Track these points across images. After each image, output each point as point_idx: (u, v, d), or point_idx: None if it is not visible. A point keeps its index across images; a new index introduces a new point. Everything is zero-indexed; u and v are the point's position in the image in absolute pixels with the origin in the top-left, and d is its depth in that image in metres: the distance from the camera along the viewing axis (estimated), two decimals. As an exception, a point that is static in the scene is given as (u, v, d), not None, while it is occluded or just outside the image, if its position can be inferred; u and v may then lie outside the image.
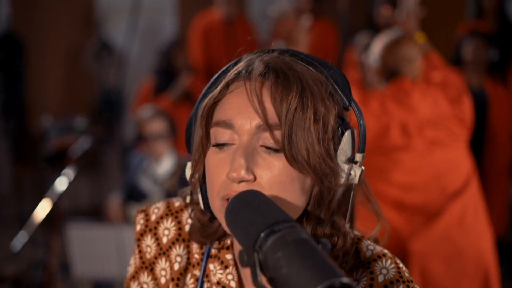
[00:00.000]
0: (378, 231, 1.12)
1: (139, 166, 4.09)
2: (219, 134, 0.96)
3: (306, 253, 0.74)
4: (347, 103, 0.97)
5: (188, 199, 1.11)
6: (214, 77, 1.03)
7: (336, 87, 0.97)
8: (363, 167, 0.98)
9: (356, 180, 0.97)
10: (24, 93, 7.58)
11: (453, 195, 2.61)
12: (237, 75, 0.99)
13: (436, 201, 2.63)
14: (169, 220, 1.14)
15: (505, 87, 4.81)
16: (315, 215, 0.98)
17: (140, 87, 5.67)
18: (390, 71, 2.82)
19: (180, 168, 3.98)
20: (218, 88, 0.99)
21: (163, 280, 1.13)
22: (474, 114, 2.92)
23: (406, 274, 1.02)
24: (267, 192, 0.92)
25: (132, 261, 1.18)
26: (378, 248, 1.06)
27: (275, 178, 0.93)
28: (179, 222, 1.14)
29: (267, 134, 0.93)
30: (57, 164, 6.25)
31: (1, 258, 6.23)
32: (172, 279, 1.12)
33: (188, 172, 1.08)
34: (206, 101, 1.00)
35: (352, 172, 0.97)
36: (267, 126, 0.92)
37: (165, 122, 3.92)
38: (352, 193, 1.00)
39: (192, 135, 1.05)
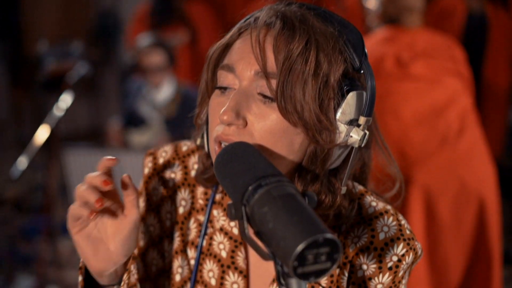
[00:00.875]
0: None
1: (138, 92, 4.11)
2: (222, 77, 0.97)
3: (292, 208, 0.75)
4: (358, 63, 0.95)
5: (198, 141, 1.12)
6: (236, 26, 1.02)
7: (347, 45, 0.95)
8: (367, 132, 0.95)
9: (356, 144, 0.95)
10: (20, 17, 7.48)
11: (456, 132, 2.58)
12: (250, 23, 0.98)
13: (437, 137, 2.59)
14: (176, 164, 1.16)
15: (506, 11, 4.77)
16: (308, 173, 0.97)
17: (136, 10, 5.61)
18: (390, 19, 2.76)
19: (180, 95, 4.00)
20: (229, 34, 1.00)
21: (168, 223, 1.16)
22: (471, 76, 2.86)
23: (408, 232, 1.02)
24: (257, 140, 0.93)
25: (140, 203, 1.17)
26: (381, 205, 1.06)
27: (267, 127, 0.92)
28: (185, 167, 1.15)
29: (264, 82, 0.92)
30: (54, 90, 6.25)
31: (1, 182, 6.32)
32: (176, 223, 1.15)
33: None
34: (216, 45, 1.00)
35: (353, 135, 0.95)
36: (265, 74, 0.91)
37: (164, 53, 3.90)
38: (352, 155, 0.98)
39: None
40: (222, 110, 0.92)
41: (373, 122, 1.06)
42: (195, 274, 1.10)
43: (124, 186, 1.00)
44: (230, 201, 0.87)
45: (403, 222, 1.04)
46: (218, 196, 1.12)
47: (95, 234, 0.99)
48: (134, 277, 1.03)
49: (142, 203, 1.17)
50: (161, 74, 3.90)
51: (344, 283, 1.03)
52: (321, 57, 0.91)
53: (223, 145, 0.94)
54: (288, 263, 0.70)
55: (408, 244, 1.01)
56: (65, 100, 3.53)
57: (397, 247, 1.01)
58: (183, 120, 3.98)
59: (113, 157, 0.97)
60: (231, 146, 0.89)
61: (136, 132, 4.09)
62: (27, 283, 4.05)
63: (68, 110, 3.64)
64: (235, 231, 1.08)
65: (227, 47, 0.99)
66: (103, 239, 0.99)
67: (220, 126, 0.95)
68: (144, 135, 4.03)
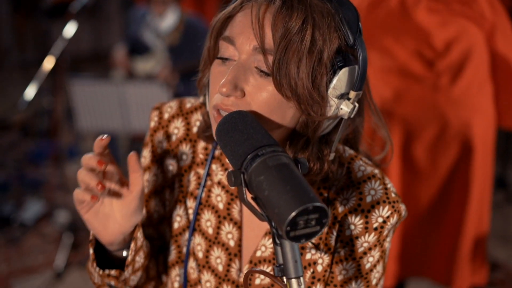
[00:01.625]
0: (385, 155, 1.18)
1: (142, 20, 4.11)
2: (223, 48, 1.01)
3: (286, 177, 0.81)
4: (352, 40, 0.98)
5: (201, 99, 1.17)
6: None
7: (343, 22, 0.98)
8: (356, 104, 1.00)
9: (346, 116, 1.00)
10: None
11: (454, 70, 2.51)
12: None
13: (432, 77, 2.54)
14: (180, 120, 1.21)
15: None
16: (299, 140, 1.02)
17: None
18: None
19: (183, 24, 4.01)
20: (232, 6, 1.03)
21: (169, 174, 1.23)
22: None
23: (393, 195, 1.09)
24: (254, 109, 0.98)
25: (145, 154, 1.25)
26: (369, 169, 1.11)
27: (263, 98, 0.97)
28: (188, 123, 1.21)
29: (262, 57, 0.96)
30: (56, 17, 6.21)
31: (8, 106, 6.39)
32: (178, 174, 1.22)
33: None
34: (219, 15, 1.04)
35: (343, 107, 0.99)
36: (262, 50, 0.95)
37: None
38: (341, 125, 1.03)
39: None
40: (221, 82, 0.97)
41: (366, 88, 1.11)
42: (193, 222, 1.18)
43: (131, 163, 1.06)
44: (230, 169, 0.94)
45: (389, 186, 1.10)
46: (217, 152, 1.18)
47: (102, 211, 1.06)
48: (140, 241, 1.11)
49: (148, 153, 1.24)
50: (165, 3, 3.90)
51: (333, 241, 1.10)
52: (317, 35, 0.95)
53: (222, 113, 0.99)
54: (281, 228, 0.77)
55: (393, 206, 1.08)
56: (69, 29, 3.54)
57: (383, 209, 1.08)
58: (185, 48, 4.01)
59: (105, 136, 1.01)
60: (231, 116, 0.94)
61: (140, 59, 4.12)
62: (36, 207, 4.17)
63: (72, 38, 3.66)
64: None
65: (229, 17, 1.03)
66: (110, 215, 1.06)
67: (219, 95, 1.00)
68: (148, 62, 4.06)
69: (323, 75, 0.96)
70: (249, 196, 0.86)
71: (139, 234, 1.10)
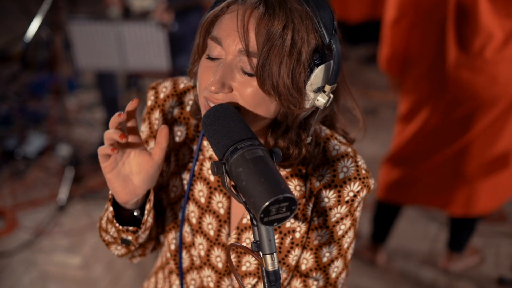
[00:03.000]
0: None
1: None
2: (212, 47, 1.10)
3: (260, 170, 0.92)
4: (328, 40, 1.06)
5: (193, 82, 1.27)
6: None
7: (320, 24, 1.06)
8: (331, 96, 1.10)
9: (322, 106, 1.10)
10: None
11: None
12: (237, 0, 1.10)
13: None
14: (174, 99, 1.31)
15: None
16: (279, 129, 1.14)
17: None
18: None
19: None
20: (220, 7, 1.11)
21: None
22: None
23: (363, 172, 1.21)
24: (241, 103, 1.08)
25: (143, 128, 1.35)
26: (343, 148, 1.23)
27: (249, 93, 1.07)
28: (182, 103, 1.31)
29: (246, 59, 1.05)
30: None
31: (10, 39, 6.43)
32: (173, 149, 1.32)
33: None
34: (207, 14, 1.13)
35: (319, 99, 1.09)
36: (247, 53, 1.04)
37: None
38: (317, 114, 1.14)
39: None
40: (211, 82, 1.07)
41: (341, 75, 1.21)
42: (187, 192, 1.30)
43: (159, 136, 1.17)
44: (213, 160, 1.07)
45: (360, 163, 1.22)
46: None
47: (123, 172, 1.17)
48: (152, 203, 1.23)
49: (145, 128, 1.35)
50: None
51: (309, 212, 1.24)
52: (296, 38, 1.04)
53: (211, 105, 1.09)
54: (256, 215, 0.90)
55: (363, 182, 1.21)
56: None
57: (354, 184, 1.20)
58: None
59: (121, 113, 1.11)
60: (214, 109, 1.04)
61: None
62: (38, 141, 4.31)
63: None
64: None
65: (217, 17, 1.12)
66: (129, 177, 1.17)
67: (206, 89, 1.10)
68: (145, 0, 4.11)
69: (301, 73, 1.06)
70: (230, 183, 0.98)
71: (152, 197, 1.22)
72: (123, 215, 1.25)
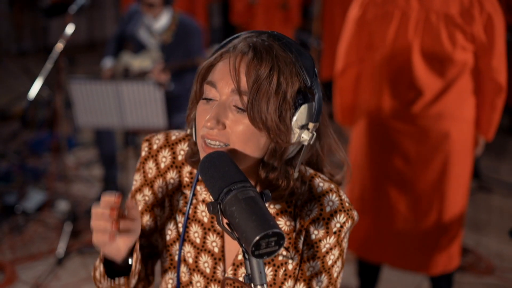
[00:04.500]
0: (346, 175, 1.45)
1: (138, 18, 4.35)
2: (207, 90, 1.25)
3: (252, 209, 1.04)
4: (310, 83, 1.23)
5: (189, 131, 1.41)
6: (217, 47, 1.30)
7: (302, 69, 1.22)
8: (314, 133, 1.25)
9: (306, 142, 1.25)
10: None
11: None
12: (229, 49, 1.26)
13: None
14: (167, 150, 1.44)
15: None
16: (269, 164, 1.27)
17: None
18: None
19: (175, 22, 4.26)
20: (214, 56, 1.28)
21: (160, 195, 1.44)
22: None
23: (347, 204, 1.35)
24: (233, 139, 1.21)
25: (137, 178, 1.46)
26: (327, 184, 1.36)
27: (240, 130, 1.20)
28: (174, 153, 1.43)
29: (238, 97, 1.19)
30: (54, 16, 6.41)
31: (11, 98, 6.60)
32: (167, 195, 1.44)
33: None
34: (204, 64, 1.29)
35: (304, 135, 1.24)
36: (238, 91, 1.19)
37: None
38: (303, 150, 1.28)
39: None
40: (206, 118, 1.21)
41: (324, 121, 1.37)
42: (183, 234, 1.42)
43: (130, 211, 1.26)
44: (209, 201, 1.23)
45: (343, 197, 1.36)
46: None
47: (114, 244, 1.27)
48: (138, 253, 1.33)
49: (139, 177, 1.47)
50: (155, 7, 4.15)
51: (300, 245, 1.37)
52: (282, 79, 1.20)
53: (207, 142, 1.23)
54: (248, 248, 1.02)
55: (347, 214, 1.35)
56: (68, 30, 3.79)
57: (340, 216, 1.34)
58: (177, 46, 4.26)
59: (113, 197, 1.21)
60: (210, 156, 1.18)
61: (136, 57, 4.36)
62: (38, 196, 4.42)
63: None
64: None
65: (212, 66, 1.28)
66: (118, 244, 1.27)
67: (205, 128, 1.23)
68: (144, 61, 4.30)
69: (287, 110, 1.21)
70: (224, 221, 1.10)
71: (138, 247, 1.32)
72: (114, 264, 1.36)
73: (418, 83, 2.74)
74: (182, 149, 1.43)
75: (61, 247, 3.79)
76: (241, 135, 1.21)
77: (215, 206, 1.09)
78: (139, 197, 1.47)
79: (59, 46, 3.77)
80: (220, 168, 1.13)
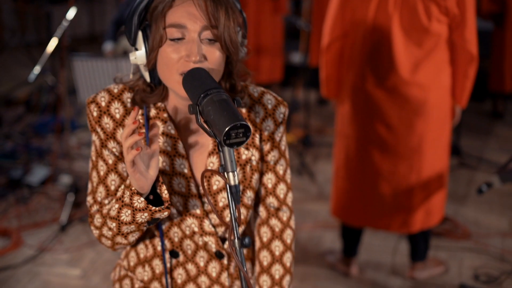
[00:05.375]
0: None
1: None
2: (173, 32, 1.41)
3: (223, 107, 1.24)
4: (239, 8, 1.50)
5: (132, 76, 1.57)
6: None
7: (239, 7, 1.49)
8: (245, 48, 1.56)
9: (244, 56, 1.56)
10: None
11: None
12: None
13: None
14: (116, 102, 1.55)
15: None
16: (228, 76, 1.54)
17: None
18: None
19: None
20: (163, 5, 1.45)
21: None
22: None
23: (279, 98, 1.63)
24: (211, 66, 1.43)
25: (94, 138, 1.56)
26: (258, 89, 1.64)
27: (215, 58, 1.43)
28: (123, 102, 1.55)
29: (208, 32, 1.41)
30: (57, 2, 6.67)
31: (13, 85, 6.84)
32: None
33: (136, 59, 1.48)
34: (160, 8, 1.45)
35: (242, 51, 1.54)
36: (210, 26, 1.41)
37: None
38: (238, 64, 1.55)
39: (133, 29, 1.47)
40: (192, 54, 1.39)
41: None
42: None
43: (152, 132, 1.42)
44: (167, 132, 1.52)
45: (273, 94, 1.64)
46: (153, 113, 1.56)
47: (142, 170, 1.41)
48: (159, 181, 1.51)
49: (97, 136, 1.56)
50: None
51: (257, 141, 1.62)
52: (234, 14, 1.46)
53: None
54: (221, 138, 1.24)
55: (283, 104, 1.64)
56: (70, 14, 4.05)
57: (280, 108, 1.63)
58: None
59: (137, 120, 1.36)
60: (191, 71, 1.40)
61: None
62: (42, 172, 4.67)
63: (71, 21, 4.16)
64: (173, 131, 1.55)
65: (161, 13, 1.44)
66: (145, 171, 1.41)
67: (184, 63, 1.43)
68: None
69: (237, 34, 1.49)
70: (202, 120, 1.32)
71: (161, 179, 1.50)
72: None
73: (398, 54, 2.98)
74: (128, 97, 1.57)
75: (64, 216, 4.04)
76: (215, 62, 1.45)
77: (195, 107, 1.31)
78: (106, 152, 1.57)
79: (63, 25, 4.03)
80: (199, 79, 1.36)
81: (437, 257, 3.66)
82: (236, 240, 1.30)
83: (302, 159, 4.98)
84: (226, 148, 1.28)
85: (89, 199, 1.60)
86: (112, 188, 1.58)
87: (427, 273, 3.51)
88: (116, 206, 1.49)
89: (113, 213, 1.50)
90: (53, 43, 4.08)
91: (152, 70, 1.50)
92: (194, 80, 1.36)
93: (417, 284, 3.44)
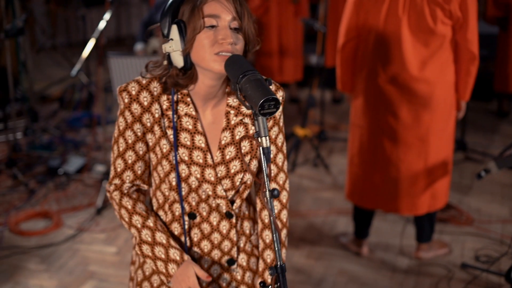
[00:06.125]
0: None
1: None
2: (209, 21, 1.66)
3: (259, 85, 1.48)
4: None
5: (162, 66, 1.75)
6: None
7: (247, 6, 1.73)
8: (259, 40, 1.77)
9: (258, 47, 1.78)
10: None
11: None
12: None
13: None
14: (144, 92, 1.76)
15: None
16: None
17: None
18: None
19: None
20: (198, 1, 1.68)
21: (149, 124, 1.77)
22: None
23: (278, 84, 1.85)
24: (237, 50, 1.67)
25: (121, 120, 1.77)
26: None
27: (240, 44, 1.69)
28: (150, 91, 1.76)
29: (235, 22, 1.67)
30: (93, 6, 7.05)
31: (48, 84, 7.22)
32: (155, 122, 1.77)
33: (171, 48, 1.69)
34: (197, 3, 1.67)
35: (256, 43, 1.77)
36: (238, 17, 1.68)
37: None
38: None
39: (167, 23, 1.70)
40: (227, 38, 1.65)
41: None
42: (175, 141, 1.77)
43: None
44: (190, 113, 1.77)
45: (272, 81, 1.73)
46: (178, 97, 1.78)
47: None
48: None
49: (123, 119, 1.77)
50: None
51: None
52: (249, 13, 1.72)
53: (224, 54, 1.64)
54: (256, 109, 1.45)
55: (281, 89, 1.86)
56: (106, 16, 4.45)
57: (279, 91, 1.85)
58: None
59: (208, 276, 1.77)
60: (232, 57, 1.62)
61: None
62: (78, 162, 5.05)
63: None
64: (194, 112, 1.77)
65: (196, 7, 1.68)
66: None
67: (219, 45, 1.69)
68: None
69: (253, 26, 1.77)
70: (241, 95, 1.60)
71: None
72: None
73: (407, 53, 3.31)
74: (155, 86, 1.78)
75: (100, 200, 4.41)
76: (240, 47, 1.73)
77: (235, 85, 1.59)
78: (128, 133, 1.79)
79: (101, 25, 4.42)
80: (238, 63, 1.64)
81: (442, 240, 3.99)
82: (267, 192, 1.54)
83: (317, 152, 5.32)
84: (260, 118, 1.52)
85: (111, 169, 1.85)
86: (129, 161, 1.81)
87: (432, 253, 3.83)
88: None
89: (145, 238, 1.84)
90: (91, 43, 4.47)
91: (185, 56, 1.71)
92: (235, 64, 1.63)
93: (423, 263, 3.76)
